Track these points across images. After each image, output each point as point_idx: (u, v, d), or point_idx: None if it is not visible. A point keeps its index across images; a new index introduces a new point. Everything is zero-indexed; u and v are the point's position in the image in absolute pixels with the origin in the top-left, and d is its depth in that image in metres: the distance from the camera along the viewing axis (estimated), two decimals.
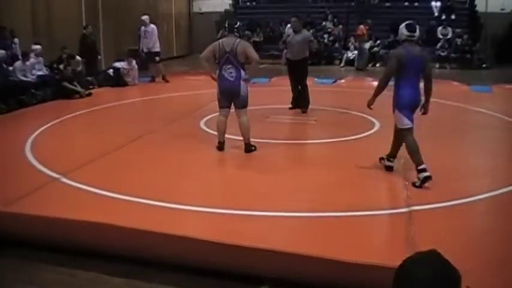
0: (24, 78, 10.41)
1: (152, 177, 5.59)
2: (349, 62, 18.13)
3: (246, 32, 20.07)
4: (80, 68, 11.94)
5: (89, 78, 12.22)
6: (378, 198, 5.24)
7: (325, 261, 3.58)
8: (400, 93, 5.39)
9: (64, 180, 5.37)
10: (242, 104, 6.46)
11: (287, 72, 9.45)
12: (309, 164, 6.45)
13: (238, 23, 6.72)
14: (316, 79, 12.82)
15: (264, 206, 4.69)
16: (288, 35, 9.18)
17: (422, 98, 5.51)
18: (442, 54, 18.04)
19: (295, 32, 9.01)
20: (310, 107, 9.13)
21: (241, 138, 6.58)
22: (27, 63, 10.59)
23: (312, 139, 7.60)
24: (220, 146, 6.58)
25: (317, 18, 19.79)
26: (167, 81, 13.36)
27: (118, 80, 12.56)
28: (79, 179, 5.33)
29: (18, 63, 10.43)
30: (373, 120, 8.08)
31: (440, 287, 1.41)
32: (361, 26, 17.59)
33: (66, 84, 10.70)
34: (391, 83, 5.49)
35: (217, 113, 6.67)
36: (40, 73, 10.91)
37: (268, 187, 5.32)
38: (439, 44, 18.23)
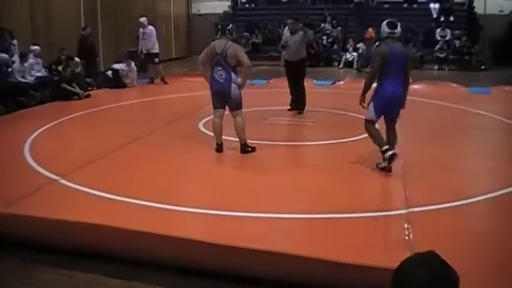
0: (23, 80, 10.41)
1: (151, 178, 5.59)
2: (348, 64, 18.15)
3: (245, 34, 20.11)
4: (78, 70, 11.94)
5: (88, 79, 12.22)
6: (376, 199, 5.25)
7: (323, 262, 3.58)
8: (379, 89, 5.62)
9: (63, 181, 5.37)
10: (235, 106, 6.46)
11: (285, 74, 9.47)
12: (307, 166, 6.46)
13: (230, 25, 6.72)
14: (315, 81, 12.84)
15: (262, 207, 4.69)
16: (287, 39, 9.20)
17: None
18: (441, 55, 18.08)
19: (292, 33, 9.06)
20: (308, 108, 9.14)
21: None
22: (26, 64, 10.58)
23: (310, 141, 7.60)
24: (219, 148, 6.58)
25: (316, 20, 19.78)
26: (166, 83, 13.35)
27: (117, 82, 12.57)
28: (78, 181, 5.33)
29: (16, 65, 10.43)
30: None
31: None
32: (370, 29, 17.47)
33: (64, 85, 10.70)
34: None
35: None
36: (39, 74, 10.90)
37: (267, 188, 5.32)
38: (438, 46, 18.26)
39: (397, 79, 5.58)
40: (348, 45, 18.67)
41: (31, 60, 10.74)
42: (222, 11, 22.47)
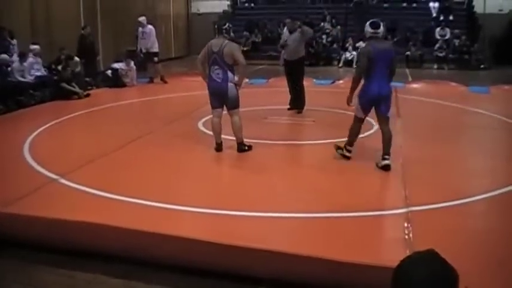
0: (23, 79, 10.40)
1: (150, 178, 5.59)
2: (348, 63, 18.14)
3: (244, 33, 20.10)
4: (78, 69, 11.93)
5: (87, 79, 12.21)
6: (376, 198, 5.25)
7: (323, 261, 3.58)
8: (364, 88, 5.79)
9: (62, 181, 5.37)
10: (233, 105, 6.46)
11: (284, 73, 9.47)
12: (307, 165, 6.46)
13: (227, 24, 6.73)
14: (314, 80, 12.83)
15: (262, 206, 4.69)
16: (286, 38, 9.21)
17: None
18: (440, 55, 18.07)
19: (291, 32, 9.08)
20: (308, 107, 9.14)
21: None
22: (25, 63, 10.57)
23: (310, 140, 7.60)
24: (218, 147, 6.58)
25: (315, 19, 19.80)
26: (165, 82, 13.35)
27: (116, 81, 12.56)
28: (77, 180, 5.33)
29: (16, 64, 10.42)
30: (372, 121, 8.08)
31: (438, 287, 1.41)
32: None
33: (64, 85, 10.69)
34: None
35: None
36: (38, 73, 10.89)
37: (266, 188, 5.32)
38: (437, 45, 18.26)
39: (383, 77, 5.75)
40: (348, 44, 18.66)
41: (30, 59, 10.73)
42: (221, 11, 22.47)
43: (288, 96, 9.38)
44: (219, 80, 6.31)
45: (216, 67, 6.30)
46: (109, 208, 4.64)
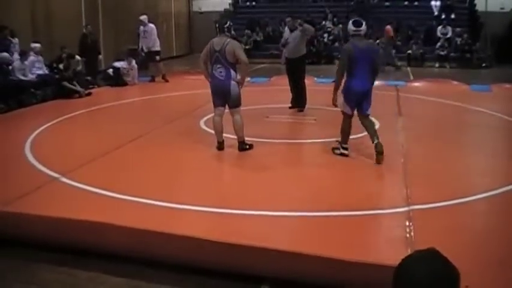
0: (24, 78, 10.40)
1: (152, 176, 5.60)
2: None
3: (246, 32, 20.09)
4: (79, 68, 11.94)
5: (89, 77, 12.21)
6: (377, 197, 5.24)
7: (325, 260, 3.58)
8: (348, 85, 5.93)
9: (64, 179, 5.37)
10: (235, 104, 6.46)
11: (285, 71, 9.47)
12: (309, 163, 6.46)
13: (228, 23, 6.74)
14: (316, 78, 12.82)
15: (263, 205, 4.70)
16: (287, 36, 9.22)
17: None
18: (442, 53, 18.03)
19: (291, 30, 9.09)
20: (309, 106, 9.14)
21: None
22: (26, 62, 10.56)
23: (311, 138, 7.59)
24: (220, 146, 6.58)
25: (317, 17, 19.78)
26: (167, 81, 13.35)
27: (117, 80, 12.57)
28: (78, 179, 5.33)
29: (17, 63, 10.41)
30: (373, 120, 8.07)
31: (439, 286, 1.40)
32: (389, 27, 17.14)
33: (65, 83, 10.70)
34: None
35: None
36: (40, 72, 10.90)
37: (268, 186, 5.32)
38: (439, 43, 18.21)
39: (365, 75, 5.87)
40: None
41: (32, 57, 10.74)
42: (223, 9, 22.47)
43: (290, 95, 9.38)
44: (221, 78, 6.31)
45: (219, 65, 6.30)
46: (110, 207, 4.64)
